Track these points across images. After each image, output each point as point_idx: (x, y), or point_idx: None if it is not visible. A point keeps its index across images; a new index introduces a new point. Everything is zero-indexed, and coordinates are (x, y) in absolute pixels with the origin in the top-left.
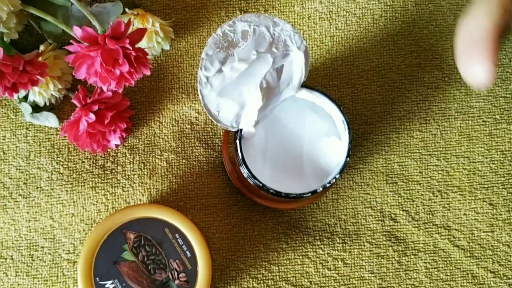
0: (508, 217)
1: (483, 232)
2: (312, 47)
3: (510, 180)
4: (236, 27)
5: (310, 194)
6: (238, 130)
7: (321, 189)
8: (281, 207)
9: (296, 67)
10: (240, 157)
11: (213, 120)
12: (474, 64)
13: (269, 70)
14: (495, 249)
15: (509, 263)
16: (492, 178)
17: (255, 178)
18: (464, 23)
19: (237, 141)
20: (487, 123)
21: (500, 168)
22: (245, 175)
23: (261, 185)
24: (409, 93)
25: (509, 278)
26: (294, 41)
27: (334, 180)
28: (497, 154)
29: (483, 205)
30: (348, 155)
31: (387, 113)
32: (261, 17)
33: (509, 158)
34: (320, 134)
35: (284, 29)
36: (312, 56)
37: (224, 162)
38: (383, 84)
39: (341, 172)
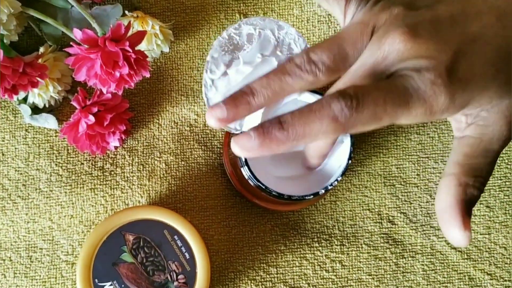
0: (505, 220)
1: (480, 234)
2: None
3: (507, 183)
4: (242, 30)
5: (312, 196)
6: (241, 133)
7: (323, 191)
8: (280, 209)
9: None
10: (243, 160)
11: None
12: (449, 227)
13: None
14: (492, 251)
15: (505, 265)
16: (489, 180)
17: (258, 180)
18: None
19: None
20: None
21: (497, 171)
22: (247, 178)
23: (263, 187)
24: None
25: (505, 280)
26: (299, 44)
27: (336, 182)
28: None
29: (480, 207)
30: (350, 157)
31: None
32: (266, 21)
33: (506, 161)
34: None
35: (288, 32)
36: None
37: (225, 164)
38: None
39: (343, 174)
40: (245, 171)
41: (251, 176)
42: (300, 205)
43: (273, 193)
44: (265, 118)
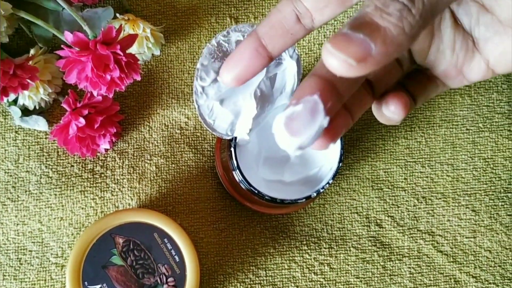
0: (490, 223)
1: (466, 238)
2: (301, 54)
3: (492, 187)
4: (231, 37)
5: (304, 199)
6: (232, 138)
7: (315, 194)
8: (271, 212)
9: (288, 75)
10: (235, 164)
11: (208, 129)
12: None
13: (263, 79)
14: (477, 255)
15: (490, 268)
16: (475, 185)
17: (250, 185)
18: None
19: (232, 149)
20: (471, 131)
21: (483, 176)
22: (238, 181)
23: (256, 191)
24: None
25: (490, 283)
26: (287, 50)
27: (327, 185)
28: (480, 162)
29: (466, 211)
30: (340, 160)
31: (374, 120)
32: (255, 27)
33: (492, 166)
34: None
35: None
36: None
37: (216, 167)
38: None
39: (334, 177)
40: (236, 175)
41: (243, 179)
42: (291, 208)
43: (266, 197)
44: (257, 122)
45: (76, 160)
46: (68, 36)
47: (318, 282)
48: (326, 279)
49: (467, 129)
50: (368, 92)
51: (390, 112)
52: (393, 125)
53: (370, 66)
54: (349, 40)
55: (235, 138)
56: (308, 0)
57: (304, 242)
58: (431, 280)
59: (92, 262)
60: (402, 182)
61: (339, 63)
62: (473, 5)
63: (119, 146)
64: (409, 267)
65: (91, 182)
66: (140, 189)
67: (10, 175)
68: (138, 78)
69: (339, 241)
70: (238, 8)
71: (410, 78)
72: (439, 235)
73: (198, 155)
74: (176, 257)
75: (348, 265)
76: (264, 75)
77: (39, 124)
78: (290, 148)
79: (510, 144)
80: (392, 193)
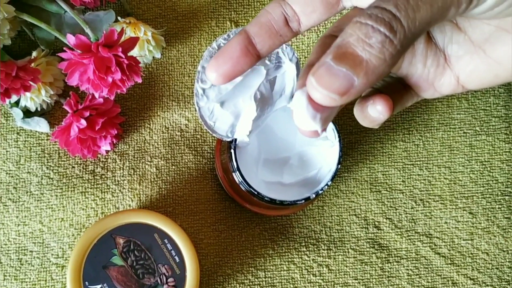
0: (487, 226)
1: (463, 240)
2: (301, 58)
3: (489, 190)
4: None
5: (303, 201)
6: (232, 140)
7: (314, 195)
8: (270, 214)
9: (288, 78)
10: (235, 166)
11: (208, 130)
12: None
13: (263, 82)
14: (475, 257)
15: (487, 270)
16: (472, 187)
17: (250, 186)
18: None
19: (232, 151)
20: (468, 134)
21: (480, 178)
22: (238, 183)
23: (255, 193)
24: None
25: (487, 285)
26: (286, 53)
27: (326, 187)
28: (477, 165)
29: (463, 214)
30: (339, 162)
31: None
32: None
33: (488, 169)
34: (310, 142)
35: None
36: (301, 67)
37: (216, 169)
38: None
39: (333, 179)
40: (236, 176)
41: (243, 181)
42: (290, 210)
43: (266, 198)
44: (257, 124)
45: (77, 162)
46: (70, 39)
47: (317, 284)
48: (324, 280)
49: (464, 132)
50: None
51: (377, 111)
52: (373, 128)
53: (352, 96)
54: (332, 75)
55: (235, 140)
56: (297, 4)
57: (303, 244)
58: (428, 282)
59: (92, 262)
60: (400, 184)
61: (323, 97)
62: (448, 24)
63: (119, 148)
64: (407, 269)
65: (92, 183)
66: (141, 190)
67: (12, 176)
68: (139, 81)
69: (338, 242)
70: (238, 12)
71: (387, 86)
72: (437, 237)
73: (198, 157)
74: (176, 258)
75: (346, 266)
76: (264, 78)
77: (41, 125)
78: (309, 125)
79: (507, 147)
80: (390, 195)
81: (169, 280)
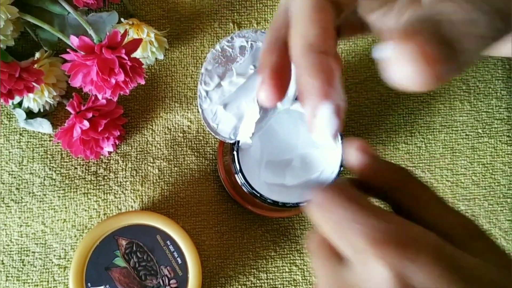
0: (489, 228)
1: None
2: None
3: (491, 193)
4: (234, 42)
5: (305, 203)
6: (235, 142)
7: None
8: (272, 215)
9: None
10: (238, 168)
11: (211, 132)
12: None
13: None
14: None
15: None
16: (474, 190)
17: (252, 188)
18: None
19: (235, 153)
20: (470, 136)
21: (482, 181)
22: (241, 184)
23: (258, 195)
24: (395, 106)
25: None
26: None
27: None
28: (479, 167)
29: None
30: (342, 164)
31: (374, 125)
32: (258, 33)
33: (490, 171)
34: (313, 144)
35: None
36: None
37: (219, 170)
38: (371, 97)
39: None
40: (239, 178)
41: (245, 183)
42: (292, 211)
43: (268, 200)
44: (260, 126)
45: (80, 163)
46: (74, 40)
47: None
48: None
49: (466, 135)
50: None
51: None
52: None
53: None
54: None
55: (238, 142)
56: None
57: (305, 245)
58: None
59: (95, 264)
60: None
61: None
62: None
63: (122, 149)
64: None
65: (94, 185)
66: (143, 191)
67: (14, 177)
68: (142, 82)
69: None
70: (241, 13)
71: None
72: None
73: (201, 159)
74: (179, 259)
75: None
76: None
77: (44, 126)
78: (328, 139)
79: (509, 149)
80: None
81: (171, 281)
